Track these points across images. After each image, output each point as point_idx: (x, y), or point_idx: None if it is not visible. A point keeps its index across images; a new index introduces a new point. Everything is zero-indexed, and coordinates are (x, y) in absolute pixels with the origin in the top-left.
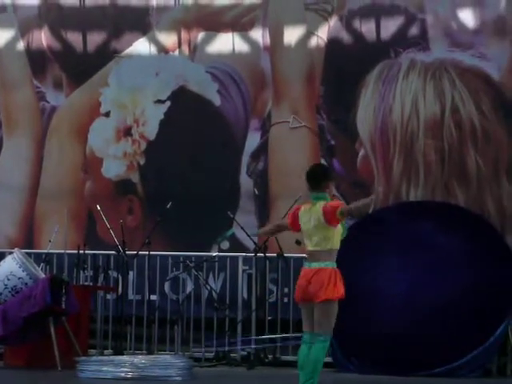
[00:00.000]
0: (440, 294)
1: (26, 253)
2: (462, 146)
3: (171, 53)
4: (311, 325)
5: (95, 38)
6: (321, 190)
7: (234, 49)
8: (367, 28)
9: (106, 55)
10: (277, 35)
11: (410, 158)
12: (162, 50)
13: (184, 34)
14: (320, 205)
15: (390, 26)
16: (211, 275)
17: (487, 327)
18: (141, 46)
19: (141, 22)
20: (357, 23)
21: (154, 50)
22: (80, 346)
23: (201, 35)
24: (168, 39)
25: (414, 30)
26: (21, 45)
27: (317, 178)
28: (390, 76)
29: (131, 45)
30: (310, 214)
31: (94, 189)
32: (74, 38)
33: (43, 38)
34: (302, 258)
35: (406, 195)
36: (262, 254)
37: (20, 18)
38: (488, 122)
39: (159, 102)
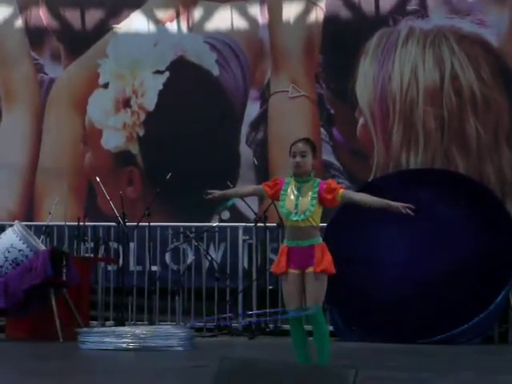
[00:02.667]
0: (440, 261)
1: (26, 225)
2: (462, 113)
3: (169, 23)
4: None
5: (93, 13)
6: None
7: (232, 19)
8: None
9: (103, 28)
10: (275, 4)
11: (409, 125)
12: (160, 21)
13: (182, 5)
14: None
15: None
16: (212, 245)
17: (488, 295)
18: (138, 18)
19: None
20: None
21: (151, 21)
22: (81, 317)
23: (198, 5)
24: (166, 11)
25: None
26: (19, 21)
27: None
28: (389, 44)
29: (129, 16)
30: None
31: (94, 160)
32: (72, 12)
33: (41, 14)
34: None
35: (406, 163)
36: (262, 224)
37: None
38: (488, 89)
39: (158, 72)
